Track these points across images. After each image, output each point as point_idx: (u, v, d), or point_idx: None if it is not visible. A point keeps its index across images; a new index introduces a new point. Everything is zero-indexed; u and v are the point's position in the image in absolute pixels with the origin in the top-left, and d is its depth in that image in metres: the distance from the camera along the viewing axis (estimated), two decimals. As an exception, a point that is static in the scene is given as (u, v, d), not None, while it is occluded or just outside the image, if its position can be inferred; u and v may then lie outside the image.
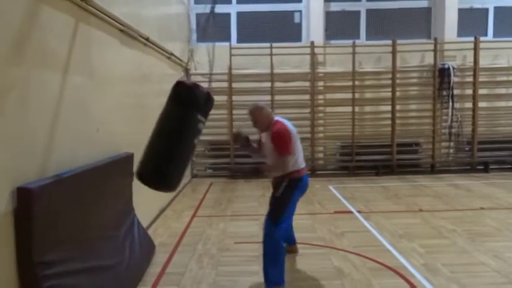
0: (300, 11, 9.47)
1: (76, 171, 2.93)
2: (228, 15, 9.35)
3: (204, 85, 2.96)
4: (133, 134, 4.78)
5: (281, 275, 3.33)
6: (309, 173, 8.99)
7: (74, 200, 2.84)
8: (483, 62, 8.97)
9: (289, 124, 3.50)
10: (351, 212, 5.83)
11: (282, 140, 3.34)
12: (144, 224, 4.59)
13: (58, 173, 2.76)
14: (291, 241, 4.12)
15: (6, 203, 2.31)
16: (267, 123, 3.46)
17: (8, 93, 2.39)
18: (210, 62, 8.94)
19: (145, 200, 4.86)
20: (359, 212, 5.82)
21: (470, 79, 9.08)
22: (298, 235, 4.37)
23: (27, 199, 2.35)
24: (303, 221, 5.38)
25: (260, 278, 3.62)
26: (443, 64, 9.01)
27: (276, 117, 3.52)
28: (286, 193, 3.41)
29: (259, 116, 3.46)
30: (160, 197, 6.13)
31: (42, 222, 2.42)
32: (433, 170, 9.20)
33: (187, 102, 2.76)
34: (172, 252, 4.35)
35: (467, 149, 9.27)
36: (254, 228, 5.10)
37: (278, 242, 3.35)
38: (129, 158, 4.12)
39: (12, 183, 2.36)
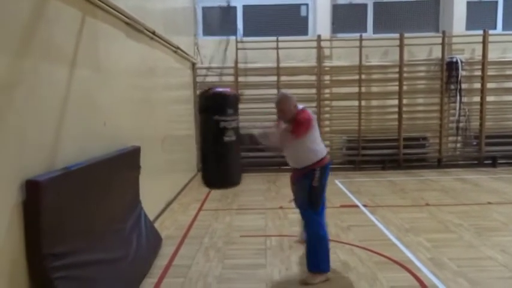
0: (307, 4, 9.41)
1: (84, 164, 2.95)
2: (235, 8, 9.31)
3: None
4: (140, 127, 4.80)
5: (327, 260, 3.47)
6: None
7: (82, 193, 2.86)
8: (492, 56, 8.86)
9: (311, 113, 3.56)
10: (357, 206, 5.83)
11: (302, 121, 3.38)
12: (151, 216, 4.62)
13: (66, 166, 2.78)
14: None
15: (16, 196, 2.34)
16: (293, 113, 3.46)
17: (16, 86, 2.40)
18: (217, 56, 8.93)
19: (152, 193, 4.90)
20: (365, 206, 5.81)
21: (479, 73, 8.98)
22: (304, 229, 4.39)
23: (36, 192, 2.37)
24: (309, 214, 5.38)
25: (266, 271, 3.65)
26: (451, 58, 8.92)
27: (300, 106, 3.55)
28: (320, 181, 3.51)
29: (285, 106, 3.45)
30: (167, 190, 6.17)
31: (50, 215, 2.45)
32: (440, 164, 9.15)
33: (203, 109, 3.05)
34: (179, 245, 4.38)
35: (474, 143, 9.20)
36: (260, 222, 5.12)
37: (324, 228, 3.52)
38: (136, 151, 4.14)
39: (21, 176, 2.38)
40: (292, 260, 3.89)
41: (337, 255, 3.97)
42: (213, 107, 3.05)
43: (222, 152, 3.07)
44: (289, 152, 3.58)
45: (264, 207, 5.70)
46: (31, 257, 2.40)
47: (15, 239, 2.34)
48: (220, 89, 3.08)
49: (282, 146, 3.52)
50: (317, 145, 3.52)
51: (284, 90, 3.52)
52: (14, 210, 2.32)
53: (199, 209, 5.86)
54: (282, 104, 3.46)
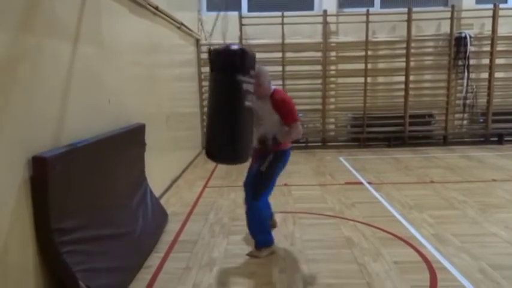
0: (313, -22, 9.19)
1: (89, 141, 2.96)
2: (239, -17, 9.12)
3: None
4: (144, 105, 4.80)
5: (269, 236, 3.54)
6: (321, 144, 9.04)
7: (88, 169, 2.89)
8: (501, 31, 8.67)
9: None
10: (361, 183, 5.84)
11: (290, 107, 3.26)
12: (157, 193, 4.67)
13: (72, 142, 2.79)
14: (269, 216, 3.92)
15: (23, 172, 2.36)
16: (267, 90, 3.32)
17: (19, 62, 2.39)
18: (222, 32, 8.81)
19: (157, 170, 4.94)
20: (369, 183, 5.82)
21: (488, 48, 8.82)
22: (309, 205, 4.43)
23: (42, 168, 2.39)
24: (313, 191, 5.42)
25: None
26: (460, 33, 8.74)
27: (274, 87, 3.42)
28: (272, 168, 3.36)
29: (264, 80, 3.26)
30: (173, 168, 6.21)
31: (57, 190, 2.48)
32: (445, 141, 9.10)
33: (221, 68, 2.62)
34: (185, 221, 4.44)
35: (481, 120, 9.12)
36: (265, 199, 5.15)
37: (261, 212, 3.45)
38: (141, 128, 4.14)
39: (28, 152, 2.40)
40: (296, 236, 3.93)
41: (341, 231, 4.01)
42: (235, 65, 2.54)
43: (241, 120, 2.61)
44: (259, 129, 3.32)
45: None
46: (39, 232, 2.44)
47: (24, 214, 2.38)
48: (238, 46, 2.67)
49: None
50: (279, 130, 3.30)
51: (260, 65, 3.30)
52: (22, 186, 2.35)
53: (205, 186, 5.91)
54: (262, 78, 3.21)
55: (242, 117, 2.68)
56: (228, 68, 2.61)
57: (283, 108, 3.26)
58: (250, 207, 3.46)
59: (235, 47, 2.70)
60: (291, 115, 3.27)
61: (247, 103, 2.69)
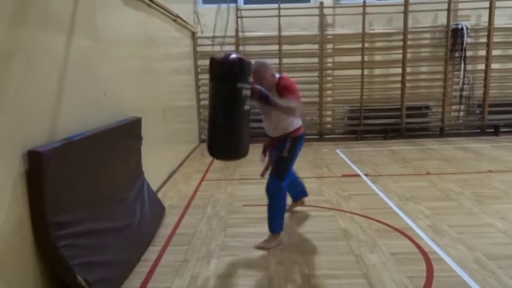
0: (309, -30, 9.13)
1: (85, 134, 2.95)
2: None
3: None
4: (140, 98, 4.77)
5: (282, 223, 3.67)
6: (317, 137, 9.05)
7: (84, 163, 2.88)
8: (498, 22, 8.66)
9: None
10: (358, 176, 5.86)
11: (292, 91, 3.38)
12: (154, 187, 4.67)
13: (67, 136, 2.78)
14: (303, 193, 4.37)
15: (18, 166, 2.35)
16: (272, 82, 3.44)
17: (13, 55, 2.37)
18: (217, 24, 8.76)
19: (154, 164, 4.93)
20: (366, 175, 5.84)
21: (484, 40, 8.81)
22: (306, 198, 4.43)
23: (38, 162, 2.38)
24: (310, 184, 5.42)
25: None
26: (457, 24, 8.72)
27: (278, 75, 3.54)
28: (291, 151, 3.57)
29: (265, 74, 3.41)
30: (170, 161, 6.20)
31: (53, 184, 2.47)
32: (442, 133, 9.12)
33: (222, 77, 2.87)
34: (182, 214, 4.44)
35: (477, 112, 9.14)
36: (262, 192, 5.10)
37: (284, 196, 3.65)
38: (137, 121, 4.13)
39: (23, 146, 2.39)
40: (293, 229, 3.94)
41: (338, 223, 4.02)
42: (236, 74, 2.84)
43: (241, 122, 2.93)
44: (269, 120, 3.59)
45: (265, 176, 5.72)
46: (36, 226, 2.44)
47: (20, 209, 2.37)
48: (236, 55, 2.95)
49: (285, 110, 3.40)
50: (286, 121, 3.53)
51: (260, 59, 3.50)
52: (17, 180, 2.34)
53: (202, 179, 5.91)
54: (262, 73, 3.41)
55: (242, 120, 2.96)
56: (228, 77, 2.85)
57: (286, 92, 3.36)
58: (275, 189, 3.57)
59: (233, 56, 2.91)
60: (291, 95, 3.36)
61: (246, 107, 2.94)
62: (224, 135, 2.93)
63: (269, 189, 3.61)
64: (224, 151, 3.04)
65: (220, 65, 2.89)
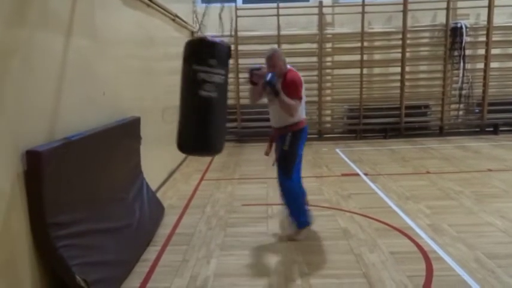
0: (308, -31, 9.12)
1: (84, 134, 2.94)
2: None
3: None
4: (139, 98, 4.76)
5: (308, 216, 3.67)
6: (317, 136, 9.04)
7: (83, 163, 2.87)
8: (497, 21, 8.66)
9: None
10: (357, 175, 5.85)
11: (295, 86, 3.41)
12: (153, 187, 4.66)
13: (66, 136, 2.77)
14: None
15: (17, 166, 2.34)
16: (283, 70, 3.48)
17: (12, 55, 2.36)
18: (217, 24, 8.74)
19: (154, 164, 4.92)
20: (366, 174, 5.84)
21: (483, 38, 8.80)
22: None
23: (36, 162, 2.37)
24: (310, 183, 5.41)
25: (267, 238, 3.71)
26: (456, 23, 8.72)
27: (289, 66, 3.58)
28: (293, 145, 3.56)
29: (277, 61, 3.45)
30: (169, 161, 6.19)
31: (52, 184, 2.46)
32: (441, 132, 9.12)
33: (183, 58, 2.68)
34: (182, 214, 4.43)
35: (477, 110, 9.14)
36: (261, 191, 5.16)
37: (296, 191, 3.62)
38: (136, 121, 4.12)
39: (22, 146, 2.38)
40: (293, 227, 3.93)
41: (337, 223, 4.02)
42: (193, 55, 2.61)
43: (198, 109, 2.61)
44: (272, 110, 3.60)
45: (265, 176, 5.74)
46: (35, 227, 2.43)
47: (19, 209, 2.36)
48: (211, 37, 2.70)
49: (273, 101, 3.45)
50: (299, 104, 3.51)
51: (275, 46, 3.51)
52: (16, 180, 2.33)
53: (201, 179, 5.90)
54: (274, 60, 3.45)
55: (200, 106, 2.65)
56: (187, 57, 2.67)
57: (290, 87, 3.40)
58: (284, 187, 3.59)
59: (202, 36, 2.72)
60: (295, 93, 3.41)
61: (203, 93, 2.63)
62: (184, 123, 2.69)
63: (280, 189, 3.63)
64: (184, 141, 2.73)
65: (185, 46, 2.70)
